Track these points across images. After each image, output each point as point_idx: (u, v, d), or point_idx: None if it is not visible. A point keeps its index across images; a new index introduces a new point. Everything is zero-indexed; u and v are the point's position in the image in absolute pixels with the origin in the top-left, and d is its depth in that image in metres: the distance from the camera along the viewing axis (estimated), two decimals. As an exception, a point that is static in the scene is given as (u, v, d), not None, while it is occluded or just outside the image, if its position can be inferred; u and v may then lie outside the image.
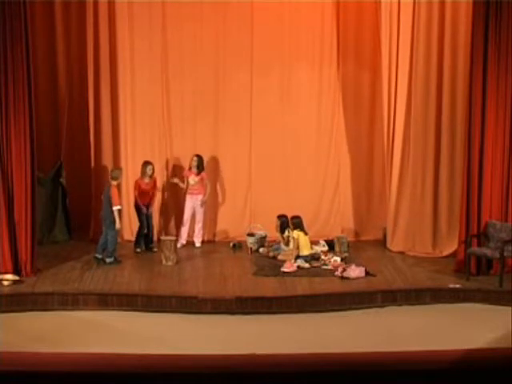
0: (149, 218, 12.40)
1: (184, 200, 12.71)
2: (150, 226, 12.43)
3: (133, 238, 12.53)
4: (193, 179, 12.56)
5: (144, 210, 12.28)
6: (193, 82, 12.88)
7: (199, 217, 12.64)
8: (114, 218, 11.43)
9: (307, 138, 13.16)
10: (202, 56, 12.82)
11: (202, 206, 12.57)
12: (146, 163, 12.31)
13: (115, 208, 11.44)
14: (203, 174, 12.61)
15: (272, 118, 13.03)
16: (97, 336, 9.17)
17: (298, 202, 12.76)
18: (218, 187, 13.15)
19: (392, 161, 12.26)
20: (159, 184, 12.92)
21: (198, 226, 12.70)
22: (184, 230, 12.67)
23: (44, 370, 3.91)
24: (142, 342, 8.87)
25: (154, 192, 12.50)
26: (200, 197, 12.56)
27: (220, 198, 13.17)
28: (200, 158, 12.58)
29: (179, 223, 12.89)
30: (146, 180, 12.32)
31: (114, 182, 11.63)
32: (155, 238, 12.59)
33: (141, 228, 12.36)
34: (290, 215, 12.06)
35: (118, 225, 11.50)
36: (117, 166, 12.68)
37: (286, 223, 12.06)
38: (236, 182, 13.16)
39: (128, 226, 12.86)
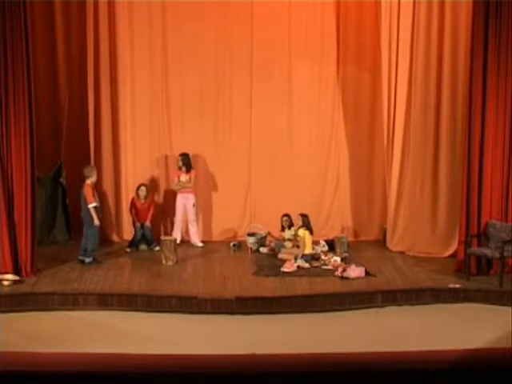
0: (146, 230, 12.46)
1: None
2: (147, 238, 12.46)
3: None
4: (184, 178, 12.57)
5: (139, 228, 12.39)
6: (193, 81, 12.88)
7: (191, 216, 12.61)
8: (90, 215, 11.40)
9: (307, 138, 13.16)
10: (201, 56, 12.82)
11: (194, 205, 12.57)
12: (139, 186, 12.50)
13: (90, 206, 11.38)
14: (193, 171, 12.62)
15: (272, 117, 13.03)
16: (97, 336, 9.17)
17: (298, 202, 12.75)
18: (218, 187, 13.14)
19: (392, 161, 12.27)
20: (162, 182, 13.02)
21: (193, 227, 12.66)
22: (177, 230, 12.67)
23: (44, 370, 3.91)
24: (142, 342, 8.88)
25: (150, 209, 12.57)
26: (191, 196, 12.57)
27: (220, 198, 13.16)
28: (186, 157, 12.59)
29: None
30: (142, 201, 12.49)
31: (88, 181, 11.55)
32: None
33: (135, 237, 12.47)
34: (289, 215, 12.06)
35: (96, 221, 11.40)
36: (115, 164, 12.86)
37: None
38: (236, 182, 13.15)
39: (128, 226, 12.87)
